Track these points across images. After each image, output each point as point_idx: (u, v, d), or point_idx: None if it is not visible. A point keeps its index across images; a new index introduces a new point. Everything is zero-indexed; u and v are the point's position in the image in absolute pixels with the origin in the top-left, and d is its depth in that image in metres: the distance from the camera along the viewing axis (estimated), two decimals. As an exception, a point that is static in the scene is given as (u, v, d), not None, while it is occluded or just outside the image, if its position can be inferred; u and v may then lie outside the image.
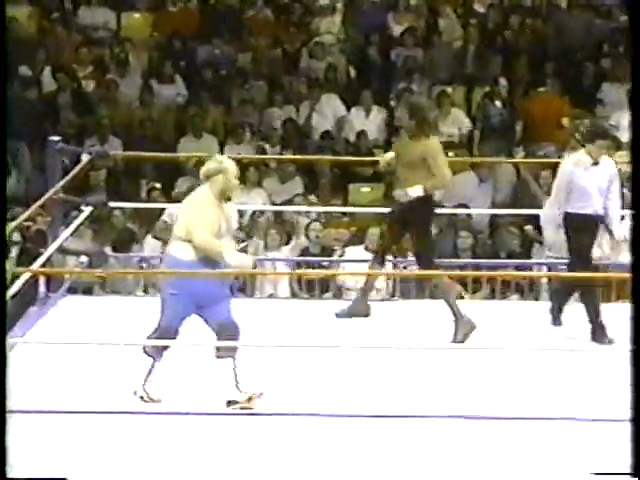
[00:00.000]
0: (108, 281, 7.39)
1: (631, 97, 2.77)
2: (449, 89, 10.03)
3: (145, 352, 4.71)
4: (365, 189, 9.26)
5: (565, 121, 9.78)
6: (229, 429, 4.47)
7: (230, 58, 10.42)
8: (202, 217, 4.62)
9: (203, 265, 4.60)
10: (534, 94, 9.96)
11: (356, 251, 7.89)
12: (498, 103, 9.94)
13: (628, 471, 2.80)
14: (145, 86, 10.15)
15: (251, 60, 10.40)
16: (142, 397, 4.68)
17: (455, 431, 4.40)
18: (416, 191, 5.50)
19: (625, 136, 9.90)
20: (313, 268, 7.77)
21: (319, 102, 9.90)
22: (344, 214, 8.56)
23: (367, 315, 5.55)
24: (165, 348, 4.70)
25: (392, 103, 9.98)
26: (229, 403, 4.62)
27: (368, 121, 9.80)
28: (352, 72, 10.31)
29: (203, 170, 4.75)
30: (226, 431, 4.45)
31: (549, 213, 5.68)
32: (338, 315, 5.50)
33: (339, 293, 7.65)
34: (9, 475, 2.73)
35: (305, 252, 8.12)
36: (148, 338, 4.70)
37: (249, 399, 4.62)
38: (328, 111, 9.85)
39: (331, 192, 9.06)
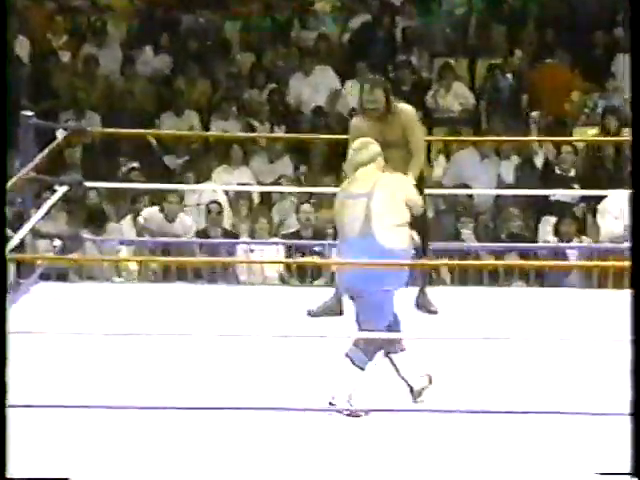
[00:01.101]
0: (85, 267, 7.35)
1: (631, 96, 2.71)
2: (451, 61, 9.98)
3: (354, 364, 4.46)
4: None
5: (575, 95, 9.74)
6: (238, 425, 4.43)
7: (216, 28, 10.36)
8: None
9: (410, 252, 4.55)
10: (541, 66, 9.89)
11: None
12: (509, 75, 9.84)
13: (629, 470, 2.84)
14: (125, 58, 10.08)
15: (238, 30, 10.34)
16: (346, 411, 4.44)
17: (456, 426, 4.38)
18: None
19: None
20: (304, 253, 7.73)
21: (311, 75, 9.85)
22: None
23: (341, 313, 5.41)
24: (375, 352, 4.49)
25: (391, 76, 9.92)
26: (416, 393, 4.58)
27: None
28: (346, 43, 10.24)
29: (368, 155, 4.58)
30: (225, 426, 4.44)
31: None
32: (311, 314, 5.38)
33: (332, 280, 7.62)
34: (9, 475, 2.75)
35: (295, 236, 8.11)
36: (358, 351, 4.45)
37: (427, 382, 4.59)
38: (321, 85, 9.83)
39: (323, 171, 8.99)
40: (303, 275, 7.68)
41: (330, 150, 9.20)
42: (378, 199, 4.47)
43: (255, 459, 4.19)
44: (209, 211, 8.20)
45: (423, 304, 5.55)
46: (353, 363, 4.44)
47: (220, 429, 4.41)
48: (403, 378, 4.58)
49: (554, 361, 5.05)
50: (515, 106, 9.76)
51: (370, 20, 10.33)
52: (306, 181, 8.84)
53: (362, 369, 4.45)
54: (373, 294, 4.44)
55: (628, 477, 2.80)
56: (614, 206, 8.30)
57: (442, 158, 9.39)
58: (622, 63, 9.99)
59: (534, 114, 9.60)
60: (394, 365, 4.58)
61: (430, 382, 4.60)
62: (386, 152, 4.90)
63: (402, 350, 4.57)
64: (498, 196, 8.66)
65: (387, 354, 4.57)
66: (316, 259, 7.63)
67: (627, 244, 7.89)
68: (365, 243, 4.44)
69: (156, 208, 7.99)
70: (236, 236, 8.23)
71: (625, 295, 5.05)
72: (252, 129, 9.40)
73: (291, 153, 9.18)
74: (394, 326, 4.60)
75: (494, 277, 7.46)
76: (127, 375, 4.96)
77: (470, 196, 8.50)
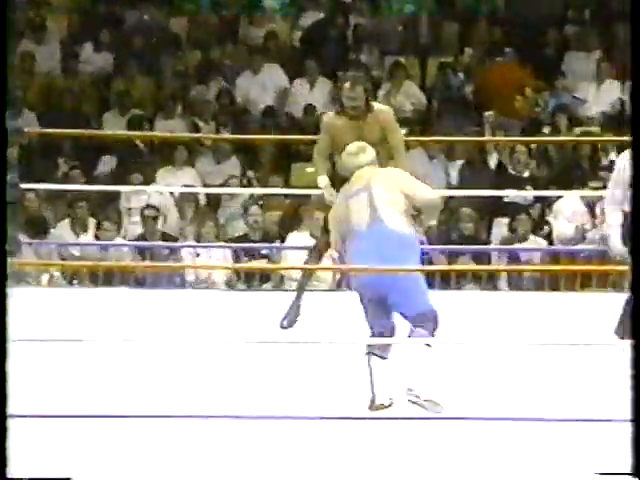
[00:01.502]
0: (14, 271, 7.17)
1: (631, 96, 2.75)
2: (402, 59, 9.89)
3: (378, 356, 4.52)
4: (310, 169, 8.96)
5: (526, 92, 9.70)
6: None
7: (161, 24, 10.22)
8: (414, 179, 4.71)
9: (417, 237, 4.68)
10: (492, 64, 9.83)
11: (300, 237, 7.78)
12: (460, 74, 9.81)
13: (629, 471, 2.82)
14: (65, 55, 9.89)
15: (184, 27, 10.20)
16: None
17: (451, 431, 4.36)
18: None
19: (593, 109, 9.87)
20: (253, 256, 7.63)
21: (260, 73, 9.75)
22: (286, 196, 8.44)
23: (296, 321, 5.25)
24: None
25: (339, 74, 9.84)
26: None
27: (313, 94, 9.65)
28: (296, 41, 10.14)
29: (366, 159, 4.70)
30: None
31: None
32: (284, 326, 5.19)
33: (280, 283, 7.54)
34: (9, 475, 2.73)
35: (243, 238, 7.99)
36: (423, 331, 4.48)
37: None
38: (269, 83, 9.72)
39: (271, 172, 8.91)
40: (251, 279, 7.57)
41: (279, 151, 9.17)
42: (378, 189, 4.59)
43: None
44: (144, 216, 8.04)
45: None
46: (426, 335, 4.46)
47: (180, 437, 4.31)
48: (371, 384, 4.55)
49: (517, 364, 5.06)
50: (466, 105, 9.71)
51: (320, 17, 10.22)
52: (255, 182, 8.77)
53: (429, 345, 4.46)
54: (406, 279, 4.50)
55: (628, 477, 2.80)
56: (567, 208, 8.29)
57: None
58: (573, 61, 9.99)
59: (487, 114, 9.56)
60: (370, 367, 4.55)
61: (390, 406, 4.57)
62: None
63: (385, 357, 4.57)
64: (450, 197, 8.60)
65: (371, 353, 4.55)
66: (264, 263, 7.55)
67: (580, 247, 7.93)
68: (375, 231, 4.53)
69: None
70: (175, 239, 8.08)
71: (577, 297, 5.02)
72: (198, 129, 9.26)
73: (239, 154, 9.06)
74: (387, 331, 4.59)
75: (446, 281, 7.39)
76: (75, 382, 4.89)
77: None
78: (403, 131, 9.35)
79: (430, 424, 4.37)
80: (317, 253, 5.16)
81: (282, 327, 5.05)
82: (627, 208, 5.05)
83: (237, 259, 7.69)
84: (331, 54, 9.90)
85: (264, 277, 7.62)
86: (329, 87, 9.73)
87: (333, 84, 9.71)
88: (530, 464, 3.92)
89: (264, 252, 7.71)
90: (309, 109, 9.41)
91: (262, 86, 9.71)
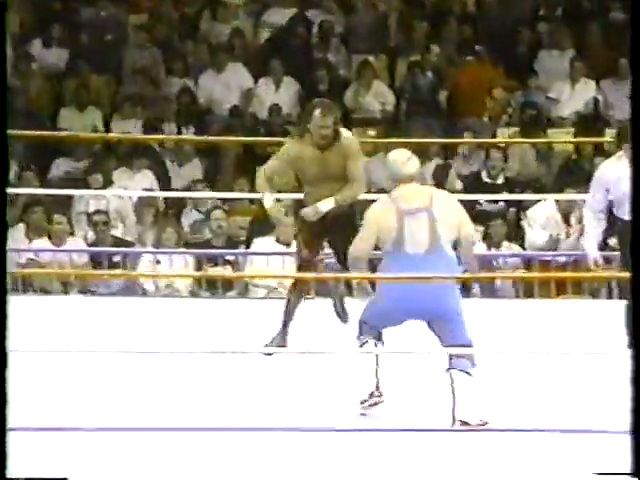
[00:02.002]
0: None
1: (631, 95, 2.75)
2: (371, 58, 9.72)
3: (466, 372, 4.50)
4: None
5: (497, 93, 9.56)
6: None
7: (119, 21, 10.01)
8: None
9: None
10: (462, 64, 9.67)
11: (266, 242, 7.63)
12: (429, 74, 9.68)
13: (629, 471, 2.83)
14: (17, 52, 9.66)
15: (144, 23, 9.99)
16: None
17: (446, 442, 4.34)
18: (327, 205, 4.91)
19: (566, 110, 9.75)
20: (216, 263, 7.45)
21: (223, 72, 9.57)
22: (251, 201, 8.29)
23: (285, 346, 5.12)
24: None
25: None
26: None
27: (278, 94, 9.52)
28: (260, 39, 9.98)
29: (415, 167, 4.61)
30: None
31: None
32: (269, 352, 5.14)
33: (245, 291, 7.38)
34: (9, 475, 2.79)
35: (206, 244, 7.80)
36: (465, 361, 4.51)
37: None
38: (233, 83, 9.54)
39: (236, 175, 8.74)
40: (214, 287, 7.37)
41: (244, 152, 9.00)
42: (439, 212, 4.54)
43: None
44: (93, 222, 7.80)
45: (340, 313, 5.33)
46: (466, 372, 4.49)
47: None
48: (376, 377, 4.55)
49: (496, 371, 4.97)
50: (436, 106, 9.56)
51: (286, 15, 10.05)
52: (218, 186, 8.59)
53: (470, 374, 4.49)
54: (454, 311, 4.51)
55: (628, 477, 2.82)
56: (541, 215, 8.17)
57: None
58: (546, 60, 9.86)
59: (463, 116, 9.44)
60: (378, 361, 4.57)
61: (375, 405, 4.57)
62: (324, 184, 4.79)
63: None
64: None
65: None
66: (228, 269, 7.39)
67: (553, 253, 7.81)
68: (434, 258, 4.50)
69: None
70: (132, 245, 7.86)
71: (553, 304, 4.94)
72: (158, 130, 9.05)
73: (201, 156, 8.91)
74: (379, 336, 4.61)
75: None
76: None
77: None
78: (372, 132, 9.31)
79: (429, 435, 4.35)
80: (305, 264, 5.00)
81: (268, 353, 4.95)
82: (604, 216, 5.08)
83: (200, 266, 7.50)
84: (297, 53, 9.76)
85: (228, 285, 7.43)
86: (295, 87, 9.59)
87: (299, 84, 9.61)
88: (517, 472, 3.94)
89: (228, 258, 7.53)
90: (274, 109, 9.30)
91: (226, 85, 9.57)
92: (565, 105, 9.67)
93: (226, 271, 7.36)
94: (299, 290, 5.07)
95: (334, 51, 9.78)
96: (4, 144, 2.64)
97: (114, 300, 6.81)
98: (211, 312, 6.37)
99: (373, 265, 4.79)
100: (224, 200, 8.19)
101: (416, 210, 4.50)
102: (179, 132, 9.09)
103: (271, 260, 7.28)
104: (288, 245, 7.41)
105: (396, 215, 4.51)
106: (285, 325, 5.03)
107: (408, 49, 9.95)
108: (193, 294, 7.39)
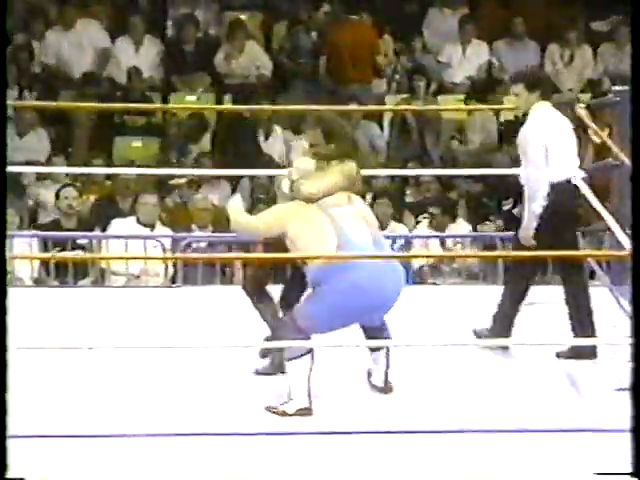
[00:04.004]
0: None
1: (632, 95, 2.80)
2: (243, 16, 9.48)
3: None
4: (136, 144, 8.85)
5: (379, 57, 9.19)
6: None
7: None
8: None
9: None
10: (342, 23, 9.29)
11: (125, 223, 7.32)
12: (313, 34, 9.38)
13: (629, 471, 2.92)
14: None
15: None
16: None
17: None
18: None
19: (458, 76, 9.43)
20: (64, 248, 6.91)
21: (73, 30, 9.29)
22: (108, 177, 8.16)
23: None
24: None
25: (169, 32, 9.46)
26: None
27: (139, 55, 9.30)
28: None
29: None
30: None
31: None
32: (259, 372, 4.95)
33: (101, 278, 6.85)
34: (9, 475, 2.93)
35: (54, 226, 7.40)
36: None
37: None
38: (86, 42, 9.30)
39: (90, 148, 8.61)
40: (63, 274, 6.81)
41: (99, 122, 8.77)
42: (361, 208, 4.69)
43: None
44: None
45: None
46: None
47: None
48: (288, 387, 4.53)
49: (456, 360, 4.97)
50: (315, 71, 9.31)
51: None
52: (69, 160, 8.39)
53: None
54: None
55: (628, 477, 2.91)
56: None
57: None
58: (435, 20, 9.61)
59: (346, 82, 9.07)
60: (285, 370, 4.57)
61: (291, 415, 4.49)
62: None
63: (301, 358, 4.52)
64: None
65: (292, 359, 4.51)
66: (82, 255, 6.87)
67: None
68: (380, 248, 4.63)
69: None
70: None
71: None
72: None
73: (48, 125, 8.64)
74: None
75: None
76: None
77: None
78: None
79: (429, 435, 4.35)
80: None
81: (256, 373, 4.85)
82: (545, 191, 4.96)
83: (46, 251, 6.93)
84: (160, 8, 9.61)
85: (81, 271, 6.89)
86: (157, 47, 9.35)
87: (162, 44, 9.40)
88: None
89: (80, 242, 7.00)
90: (134, 73, 9.04)
91: (78, 45, 9.30)
92: (457, 69, 9.42)
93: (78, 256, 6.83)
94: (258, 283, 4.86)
95: (203, 7, 9.55)
96: (3, 143, 2.78)
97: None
98: (60, 303, 5.84)
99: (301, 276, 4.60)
100: (75, 176, 8.02)
101: (340, 205, 4.60)
102: (20, 97, 8.71)
103: (130, 244, 6.79)
104: (151, 227, 7.06)
105: (324, 214, 4.56)
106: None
107: (287, 6, 9.68)
108: (38, 281, 6.82)
